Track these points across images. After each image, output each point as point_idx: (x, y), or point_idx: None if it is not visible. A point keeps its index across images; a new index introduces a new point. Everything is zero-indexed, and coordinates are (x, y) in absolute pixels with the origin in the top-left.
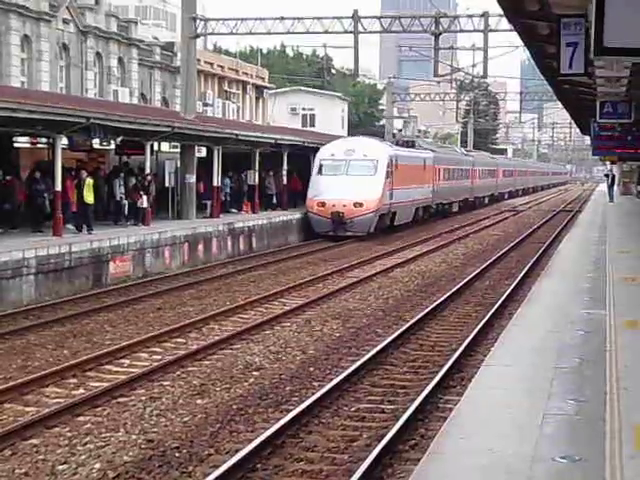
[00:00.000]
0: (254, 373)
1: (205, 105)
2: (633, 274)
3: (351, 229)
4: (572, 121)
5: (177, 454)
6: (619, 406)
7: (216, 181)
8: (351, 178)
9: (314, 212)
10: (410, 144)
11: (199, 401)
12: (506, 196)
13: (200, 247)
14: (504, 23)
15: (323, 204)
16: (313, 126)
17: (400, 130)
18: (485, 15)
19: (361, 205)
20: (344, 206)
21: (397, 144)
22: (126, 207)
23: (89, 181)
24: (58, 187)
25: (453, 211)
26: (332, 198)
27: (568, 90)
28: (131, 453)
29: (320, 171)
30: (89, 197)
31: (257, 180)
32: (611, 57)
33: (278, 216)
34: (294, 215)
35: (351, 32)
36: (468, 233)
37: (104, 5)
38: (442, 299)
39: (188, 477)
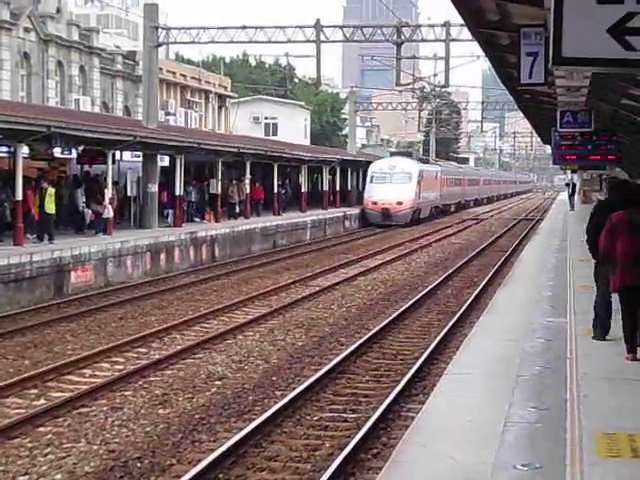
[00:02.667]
0: (216, 383)
1: (167, 114)
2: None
3: (394, 220)
4: (533, 130)
5: (139, 464)
6: (579, 414)
7: (178, 190)
8: (394, 185)
9: (369, 208)
10: (425, 161)
11: (161, 411)
12: (485, 201)
13: (162, 256)
14: (465, 33)
15: (375, 203)
16: (276, 135)
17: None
18: (446, 25)
19: (401, 204)
20: (390, 204)
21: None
22: (88, 216)
23: (51, 191)
24: (19, 196)
25: (452, 210)
26: (381, 199)
27: (529, 99)
28: (92, 464)
29: (372, 180)
30: (50, 207)
31: (220, 189)
32: (569, 67)
33: (241, 225)
34: (257, 224)
35: (313, 41)
36: (430, 242)
37: (65, 14)
38: (404, 308)
39: None
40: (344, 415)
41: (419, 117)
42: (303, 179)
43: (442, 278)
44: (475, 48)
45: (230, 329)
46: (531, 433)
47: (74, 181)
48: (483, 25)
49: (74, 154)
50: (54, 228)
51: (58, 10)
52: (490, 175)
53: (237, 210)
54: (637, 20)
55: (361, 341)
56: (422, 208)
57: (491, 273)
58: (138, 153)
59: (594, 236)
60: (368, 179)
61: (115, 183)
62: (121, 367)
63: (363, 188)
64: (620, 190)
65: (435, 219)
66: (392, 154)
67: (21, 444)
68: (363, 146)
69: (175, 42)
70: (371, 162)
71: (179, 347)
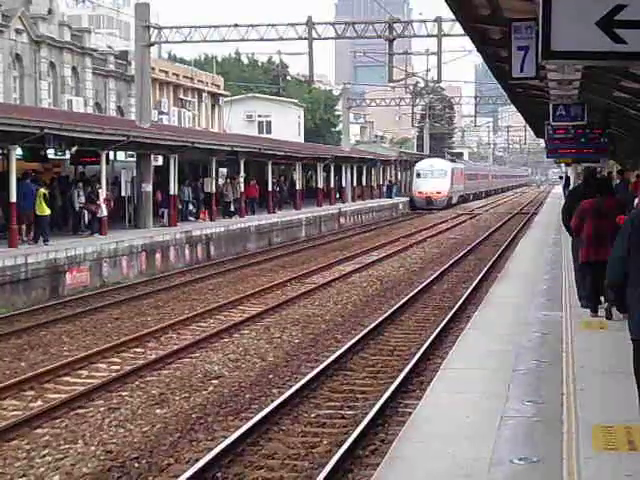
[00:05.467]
0: (213, 381)
1: (160, 113)
2: None
3: (435, 205)
4: (527, 124)
5: (136, 464)
6: (576, 407)
7: (173, 189)
8: (434, 179)
9: (416, 197)
10: (453, 160)
11: (158, 411)
12: (492, 192)
13: (158, 256)
14: (457, 28)
15: (421, 192)
16: (269, 133)
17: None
18: (438, 20)
19: (440, 193)
20: (432, 193)
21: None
22: (85, 217)
23: (41, 192)
24: (13, 198)
25: (470, 199)
26: (425, 189)
27: (521, 93)
28: (90, 465)
29: (418, 176)
30: (42, 208)
31: (214, 188)
32: (559, 60)
33: (236, 223)
34: (252, 222)
35: (305, 38)
36: (425, 237)
37: (57, 15)
38: (400, 303)
39: None
40: (341, 412)
41: (412, 113)
42: (297, 176)
43: (437, 273)
44: (467, 43)
45: (226, 328)
46: (528, 427)
47: (70, 181)
48: (474, 20)
49: (68, 155)
50: (48, 229)
51: (50, 11)
52: (496, 171)
53: (232, 208)
54: (626, 12)
55: (357, 337)
56: (453, 196)
57: (486, 268)
58: (132, 153)
59: (567, 216)
60: (415, 175)
61: (112, 183)
62: (118, 367)
63: (359, 183)
64: (591, 181)
65: (456, 205)
66: (429, 156)
67: (18, 446)
68: (357, 142)
69: (167, 41)
70: (365, 158)
71: (175, 346)
